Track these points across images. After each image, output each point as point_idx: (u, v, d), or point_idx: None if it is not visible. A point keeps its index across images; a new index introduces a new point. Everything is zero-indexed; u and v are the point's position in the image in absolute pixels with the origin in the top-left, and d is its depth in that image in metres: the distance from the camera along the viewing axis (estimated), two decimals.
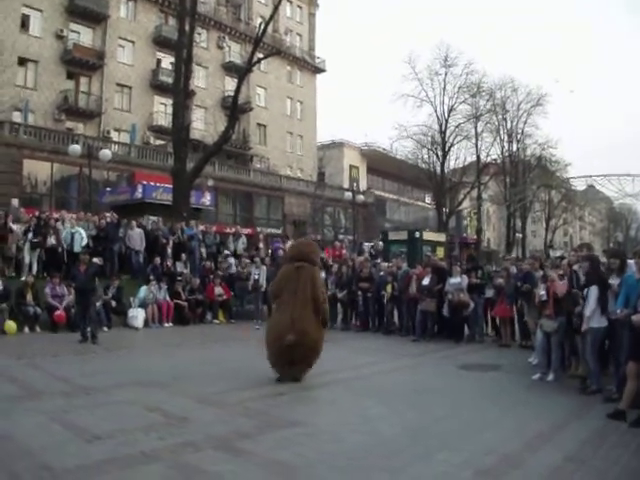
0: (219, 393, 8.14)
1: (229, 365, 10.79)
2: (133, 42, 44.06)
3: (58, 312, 14.57)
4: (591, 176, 31.19)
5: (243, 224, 38.82)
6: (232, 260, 19.97)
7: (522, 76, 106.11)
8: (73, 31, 40.51)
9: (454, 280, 14.75)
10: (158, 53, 45.21)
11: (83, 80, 41.18)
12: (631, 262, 8.43)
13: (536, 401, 8.18)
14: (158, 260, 18.26)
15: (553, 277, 9.92)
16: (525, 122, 53.08)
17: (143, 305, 16.53)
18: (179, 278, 17.98)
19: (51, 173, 34.45)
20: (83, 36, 41.04)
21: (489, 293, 14.76)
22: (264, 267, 18.77)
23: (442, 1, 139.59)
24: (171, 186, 24.57)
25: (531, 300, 11.41)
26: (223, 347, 13.58)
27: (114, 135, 41.20)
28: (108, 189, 31.71)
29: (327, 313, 9.79)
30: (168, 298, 17.12)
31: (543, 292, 9.84)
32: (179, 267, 18.89)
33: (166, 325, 16.73)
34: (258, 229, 33.86)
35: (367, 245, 26.65)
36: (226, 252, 20.59)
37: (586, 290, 8.55)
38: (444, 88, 48.02)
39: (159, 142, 43.07)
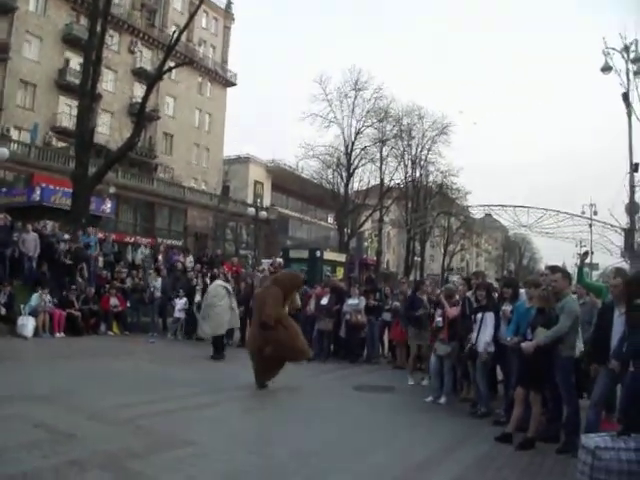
0: (110, 409, 7.88)
1: (122, 379, 10.53)
2: (41, 38, 42.29)
3: None
4: (489, 205, 32.23)
5: (143, 234, 38.03)
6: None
7: (429, 104, 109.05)
8: None
9: (352, 301, 14.91)
10: (67, 52, 43.58)
11: None
12: (522, 291, 8.80)
13: (427, 423, 8.38)
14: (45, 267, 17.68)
15: (444, 303, 10.27)
16: (429, 149, 54.42)
17: (34, 313, 15.83)
18: (73, 287, 17.38)
19: None
20: None
21: (386, 316, 15.02)
22: (160, 279, 18.51)
23: (358, 23, 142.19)
24: (71, 190, 23.78)
25: (418, 324, 11.78)
26: (116, 360, 13.11)
27: (14, 133, 39.29)
28: (3, 189, 30.39)
29: (267, 317, 10.34)
30: (49, 306, 16.32)
31: (439, 318, 10.12)
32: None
33: (57, 335, 16.03)
34: (159, 240, 33.21)
35: (266, 262, 26.62)
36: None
37: (480, 315, 8.83)
38: (353, 111, 48.74)
39: (61, 144, 41.49)
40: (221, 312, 13.72)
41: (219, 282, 14.61)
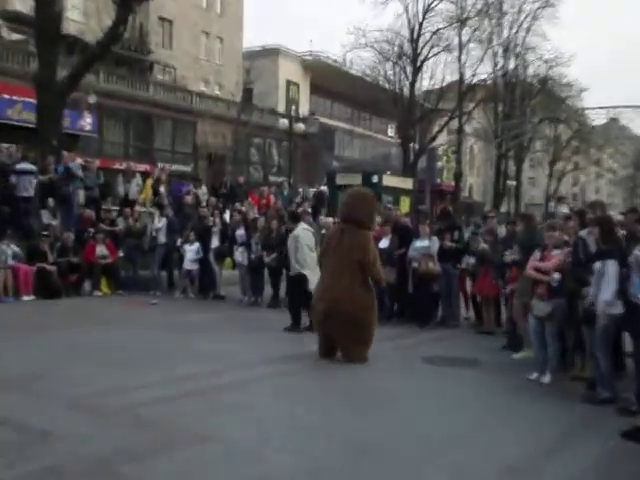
0: (97, 395, 8.06)
1: (114, 355, 10.71)
2: None
3: None
4: (616, 107, 31.57)
5: (139, 158, 38.21)
6: None
7: None
8: None
9: (421, 243, 14.80)
10: None
11: None
12: None
13: (523, 411, 8.32)
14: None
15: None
16: (528, 30, 53.18)
17: None
18: (45, 233, 17.64)
19: None
20: None
21: (469, 262, 14.92)
22: (164, 219, 18.65)
23: None
24: (35, 101, 23.89)
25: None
26: (106, 330, 13.34)
27: None
28: None
29: (378, 274, 11.35)
30: (12, 261, 16.50)
31: (557, 276, 9.58)
32: (45, 217, 18.54)
33: (25, 298, 16.39)
34: (159, 165, 33.23)
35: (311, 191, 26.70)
36: None
37: (599, 264, 8.65)
38: None
39: (16, 37, 41.42)
40: (313, 265, 13.35)
41: (306, 226, 14.19)
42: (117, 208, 20.31)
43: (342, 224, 11.53)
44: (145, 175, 23.96)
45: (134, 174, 23.08)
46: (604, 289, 8.49)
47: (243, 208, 19.59)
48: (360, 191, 12.47)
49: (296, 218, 14.58)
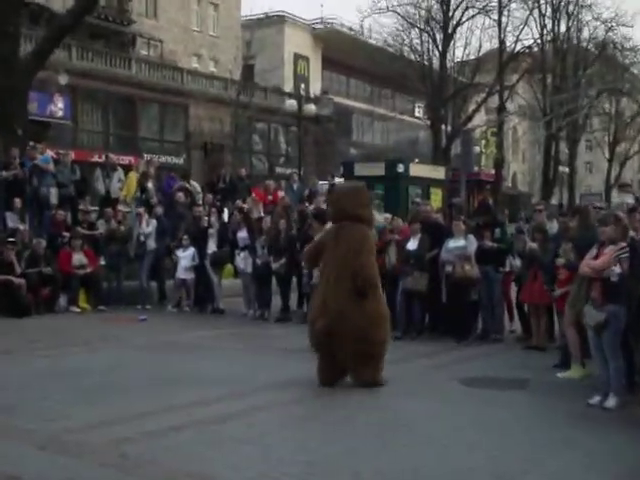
0: (76, 431, 8.01)
1: (95, 383, 10.70)
2: None
3: None
4: None
5: (120, 149, 38.22)
6: None
7: None
8: None
9: (456, 243, 14.84)
10: None
11: None
12: None
13: (584, 444, 8.15)
14: None
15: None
16: None
17: None
18: (11, 239, 17.64)
19: None
20: None
21: (513, 264, 14.88)
22: (154, 220, 18.62)
23: None
24: None
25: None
26: (85, 352, 13.43)
27: None
28: None
29: (368, 282, 10.47)
30: None
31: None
32: (11, 221, 18.57)
33: None
34: (145, 157, 33.15)
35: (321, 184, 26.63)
36: None
37: None
38: None
39: None
40: None
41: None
42: (97, 208, 20.30)
43: (338, 222, 11.08)
44: (128, 169, 23.90)
45: (116, 168, 23.06)
46: None
47: (245, 206, 19.57)
48: (348, 184, 12.30)
49: (323, 218, 14.50)
